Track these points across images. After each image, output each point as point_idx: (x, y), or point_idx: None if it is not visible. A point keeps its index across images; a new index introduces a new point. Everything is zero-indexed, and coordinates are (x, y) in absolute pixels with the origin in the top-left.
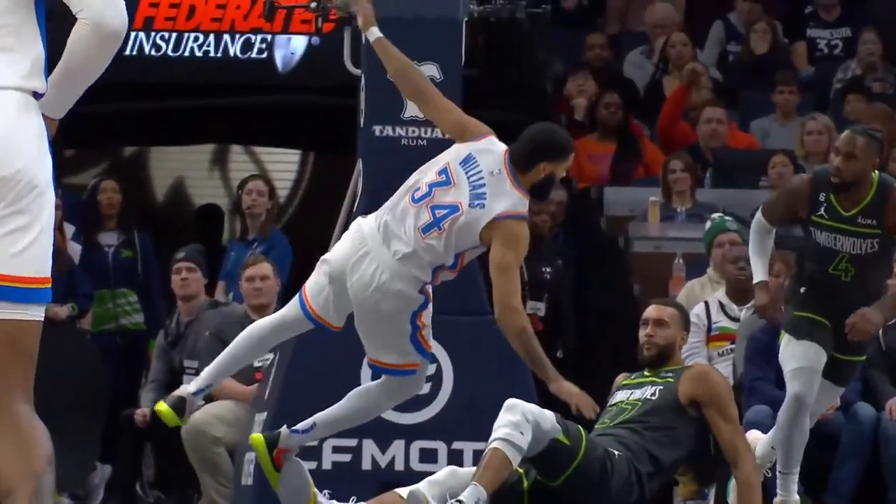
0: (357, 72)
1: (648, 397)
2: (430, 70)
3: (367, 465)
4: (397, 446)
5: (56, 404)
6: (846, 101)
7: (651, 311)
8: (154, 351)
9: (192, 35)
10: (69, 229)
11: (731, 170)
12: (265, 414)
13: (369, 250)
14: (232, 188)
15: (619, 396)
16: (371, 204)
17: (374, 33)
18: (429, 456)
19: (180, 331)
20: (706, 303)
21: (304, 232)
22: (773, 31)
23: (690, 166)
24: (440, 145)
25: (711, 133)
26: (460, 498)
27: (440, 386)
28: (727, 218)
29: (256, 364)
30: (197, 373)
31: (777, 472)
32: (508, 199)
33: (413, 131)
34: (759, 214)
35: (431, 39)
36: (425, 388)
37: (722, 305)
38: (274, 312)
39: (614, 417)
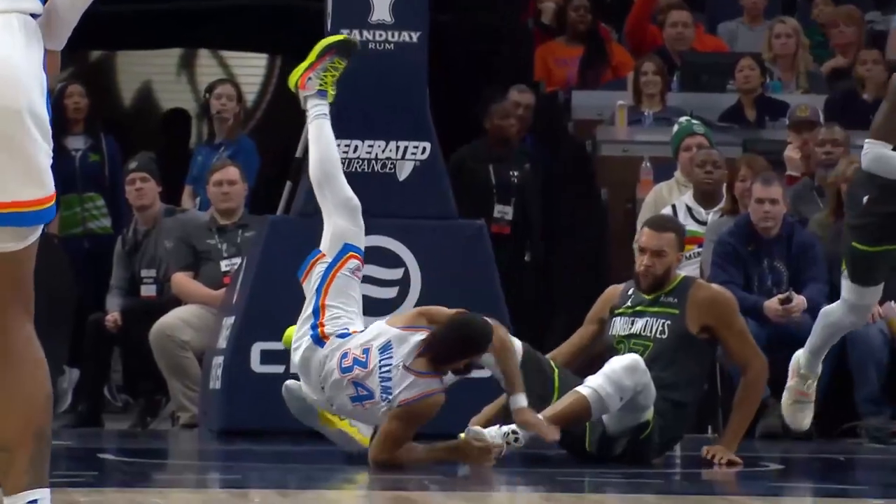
0: None
1: (658, 336)
2: None
3: None
4: None
5: None
6: (814, 4)
7: (649, 240)
8: (114, 258)
9: None
10: None
11: (698, 73)
12: (233, 318)
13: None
14: (199, 92)
15: (619, 327)
16: (338, 108)
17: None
18: None
19: (138, 239)
20: (673, 206)
21: (272, 136)
22: None
23: (661, 69)
24: (408, 48)
25: (678, 36)
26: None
27: (407, 290)
28: (694, 121)
29: (224, 268)
30: (155, 281)
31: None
32: (416, 388)
33: (380, 35)
34: (870, 146)
35: None
36: (392, 292)
37: (689, 209)
38: (240, 216)
39: None
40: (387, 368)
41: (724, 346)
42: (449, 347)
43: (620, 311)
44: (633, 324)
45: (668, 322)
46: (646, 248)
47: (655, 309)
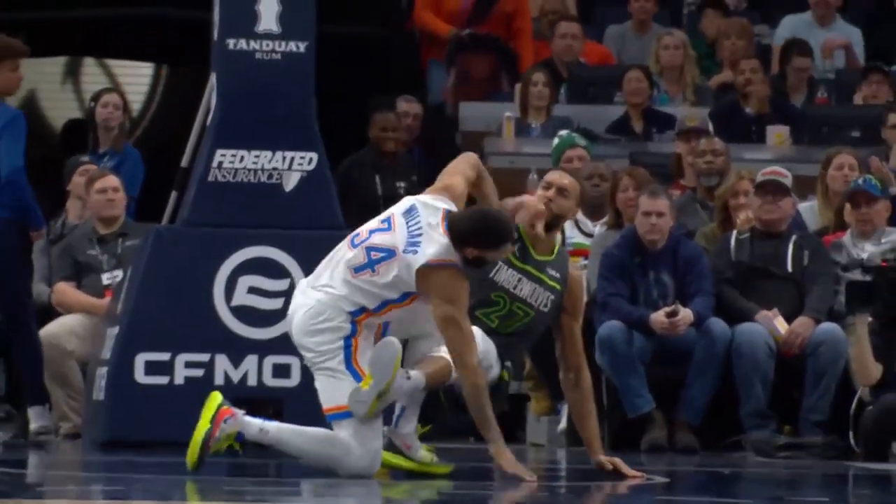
0: None
1: (541, 308)
2: None
3: (219, 380)
4: (250, 361)
5: None
6: (703, 16)
7: (555, 177)
8: (36, 251)
9: None
10: None
11: (586, 85)
12: (117, 328)
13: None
14: (85, 101)
15: (505, 279)
16: (225, 118)
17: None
18: (282, 371)
19: (63, 233)
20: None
21: (157, 146)
22: None
23: (549, 81)
24: (295, 59)
25: (566, 48)
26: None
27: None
28: (574, 134)
29: (106, 281)
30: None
31: None
32: (440, 245)
33: (267, 45)
34: None
35: None
36: (278, 303)
37: (576, 221)
38: (120, 224)
39: (504, 320)
40: (416, 226)
41: (569, 337)
42: (465, 231)
43: (514, 263)
44: (519, 282)
45: (552, 297)
46: (551, 184)
47: (543, 277)
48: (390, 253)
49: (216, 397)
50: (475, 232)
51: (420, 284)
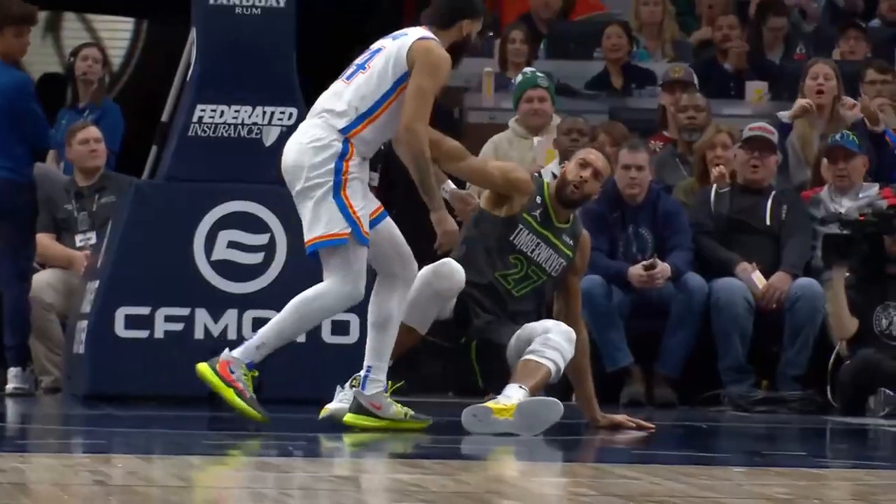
0: None
1: (553, 273)
2: None
3: (199, 334)
4: (230, 316)
5: None
6: None
7: (593, 157)
8: None
9: None
10: None
11: (565, 41)
12: (97, 283)
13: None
14: (65, 56)
15: (524, 242)
16: (205, 73)
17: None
18: (262, 325)
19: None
20: (540, 173)
21: (137, 101)
22: None
23: (528, 37)
24: (275, 13)
25: (543, 4)
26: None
27: (273, 255)
28: (539, 74)
29: (79, 243)
30: None
31: None
32: (426, 32)
33: (247, 0)
34: None
35: None
36: (258, 258)
37: (555, 176)
38: (98, 177)
39: (519, 283)
40: (401, 32)
41: (572, 293)
42: (455, 4)
43: (528, 218)
44: (537, 247)
45: (564, 263)
46: (587, 163)
47: (559, 244)
48: (377, 50)
49: (202, 368)
50: (465, 2)
51: (409, 56)
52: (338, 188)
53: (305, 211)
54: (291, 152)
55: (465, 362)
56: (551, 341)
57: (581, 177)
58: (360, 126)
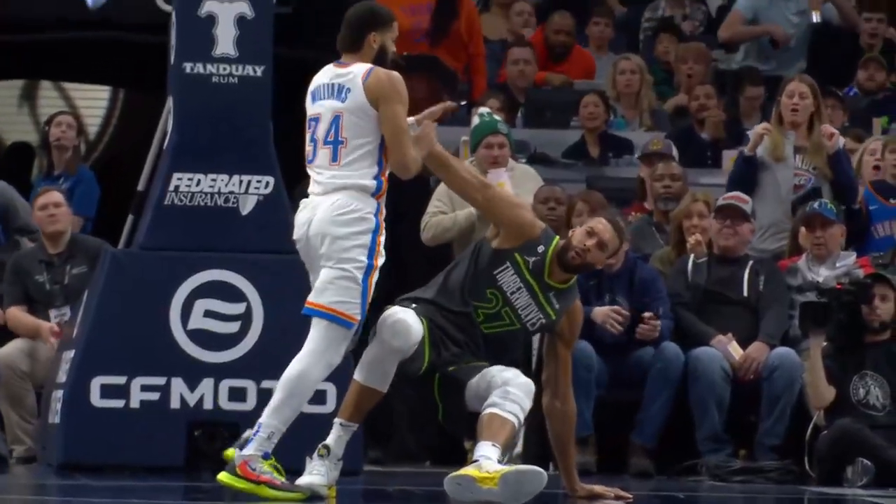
0: (168, 8)
1: (528, 325)
2: (242, 8)
3: (175, 403)
4: (206, 385)
5: None
6: (658, 41)
7: (601, 228)
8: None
9: None
10: None
11: (542, 109)
12: (73, 352)
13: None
14: (41, 125)
15: (507, 282)
16: (181, 142)
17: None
18: (238, 395)
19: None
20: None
21: (113, 169)
22: None
23: (505, 105)
24: (252, 83)
25: (519, 74)
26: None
27: (249, 324)
28: (498, 118)
29: (54, 318)
30: None
31: None
32: (360, 63)
33: (224, 69)
34: None
35: None
36: (234, 327)
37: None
38: (66, 243)
39: (489, 319)
40: (340, 88)
41: (562, 363)
42: (357, 21)
43: (520, 259)
44: (518, 291)
45: (543, 321)
46: (595, 233)
47: (542, 299)
48: (336, 118)
49: (224, 478)
50: (366, 16)
51: (368, 93)
52: (367, 275)
53: (326, 271)
54: (323, 216)
55: (433, 409)
56: (511, 394)
57: (585, 245)
58: (380, 195)
